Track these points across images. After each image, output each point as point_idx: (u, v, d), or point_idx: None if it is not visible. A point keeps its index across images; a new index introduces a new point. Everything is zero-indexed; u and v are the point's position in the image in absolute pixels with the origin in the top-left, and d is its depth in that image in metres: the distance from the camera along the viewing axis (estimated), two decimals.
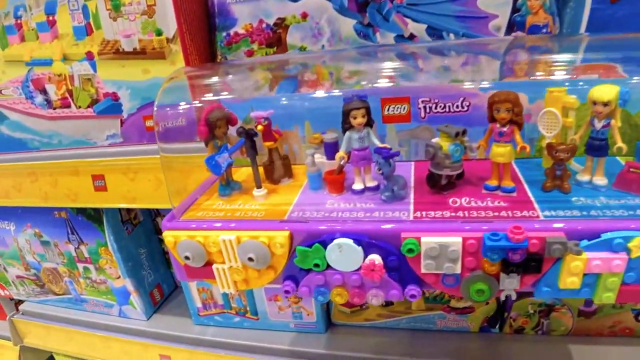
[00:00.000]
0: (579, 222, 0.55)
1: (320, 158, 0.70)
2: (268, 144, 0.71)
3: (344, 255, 0.57)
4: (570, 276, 0.55)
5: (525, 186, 0.64)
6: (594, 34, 0.74)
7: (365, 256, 0.57)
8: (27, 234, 1.20)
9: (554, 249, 0.53)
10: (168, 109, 0.76)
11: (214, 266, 0.64)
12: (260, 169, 0.72)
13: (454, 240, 0.54)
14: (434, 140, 0.62)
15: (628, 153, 0.70)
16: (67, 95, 0.99)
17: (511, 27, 0.76)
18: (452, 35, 0.77)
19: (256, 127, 0.69)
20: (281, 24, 0.84)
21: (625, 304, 0.92)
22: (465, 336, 0.99)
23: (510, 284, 0.56)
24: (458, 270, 0.56)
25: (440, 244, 0.54)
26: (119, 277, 1.15)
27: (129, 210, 1.15)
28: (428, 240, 0.55)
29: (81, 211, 1.11)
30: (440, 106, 0.71)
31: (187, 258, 0.64)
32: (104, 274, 1.16)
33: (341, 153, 0.64)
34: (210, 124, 0.67)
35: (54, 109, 1.01)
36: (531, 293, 0.91)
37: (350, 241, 0.57)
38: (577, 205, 0.59)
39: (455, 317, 0.98)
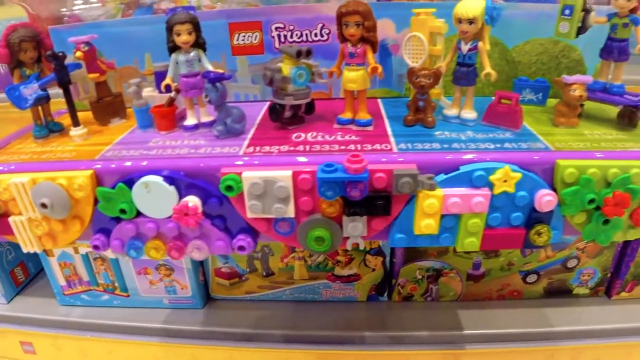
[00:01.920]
0: (435, 154, 0.45)
1: (151, 91, 0.56)
2: (92, 76, 0.57)
3: (154, 197, 0.45)
4: (425, 218, 0.44)
5: (386, 121, 0.54)
6: None
7: (182, 198, 0.45)
8: None
9: (403, 183, 0.42)
10: None
11: (11, 218, 0.50)
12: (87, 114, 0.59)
13: (282, 175, 0.43)
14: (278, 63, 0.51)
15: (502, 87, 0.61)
16: None
17: None
18: None
19: (75, 53, 0.55)
20: None
21: (512, 267, 0.85)
22: (352, 305, 0.89)
23: (354, 229, 0.45)
24: (291, 213, 0.44)
25: (265, 179, 0.43)
26: None
27: None
28: (250, 175, 0.43)
29: None
30: (297, 34, 0.59)
31: None
32: None
33: (167, 80, 0.51)
34: (12, 45, 0.53)
35: None
36: (420, 257, 0.84)
37: (159, 179, 0.44)
38: (438, 139, 0.49)
39: (341, 286, 0.87)
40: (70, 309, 0.97)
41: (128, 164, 0.46)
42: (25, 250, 0.52)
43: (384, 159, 0.44)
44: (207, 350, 0.86)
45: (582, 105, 0.58)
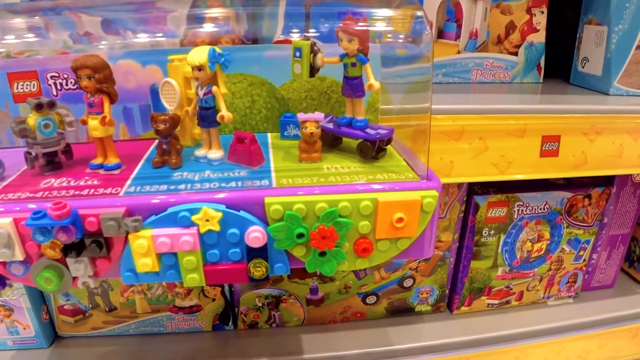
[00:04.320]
0: (147, 197, 0.55)
1: None
2: None
3: None
4: (140, 257, 0.53)
5: (140, 164, 0.63)
6: None
7: None
8: None
9: (108, 226, 0.52)
10: None
11: None
12: None
13: (1, 222, 0.52)
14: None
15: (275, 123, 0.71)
16: None
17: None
18: (129, 32, 0.74)
19: None
20: None
21: (350, 290, 0.95)
22: (198, 336, 0.98)
23: (78, 270, 0.54)
24: (19, 257, 0.53)
25: None
26: None
27: None
28: None
29: None
30: (71, 82, 0.69)
31: None
32: None
33: None
34: None
35: None
36: (256, 285, 0.93)
37: None
38: (172, 180, 0.58)
39: (185, 317, 0.96)
40: None
41: None
42: None
43: (102, 203, 0.54)
44: None
45: (340, 140, 0.69)
